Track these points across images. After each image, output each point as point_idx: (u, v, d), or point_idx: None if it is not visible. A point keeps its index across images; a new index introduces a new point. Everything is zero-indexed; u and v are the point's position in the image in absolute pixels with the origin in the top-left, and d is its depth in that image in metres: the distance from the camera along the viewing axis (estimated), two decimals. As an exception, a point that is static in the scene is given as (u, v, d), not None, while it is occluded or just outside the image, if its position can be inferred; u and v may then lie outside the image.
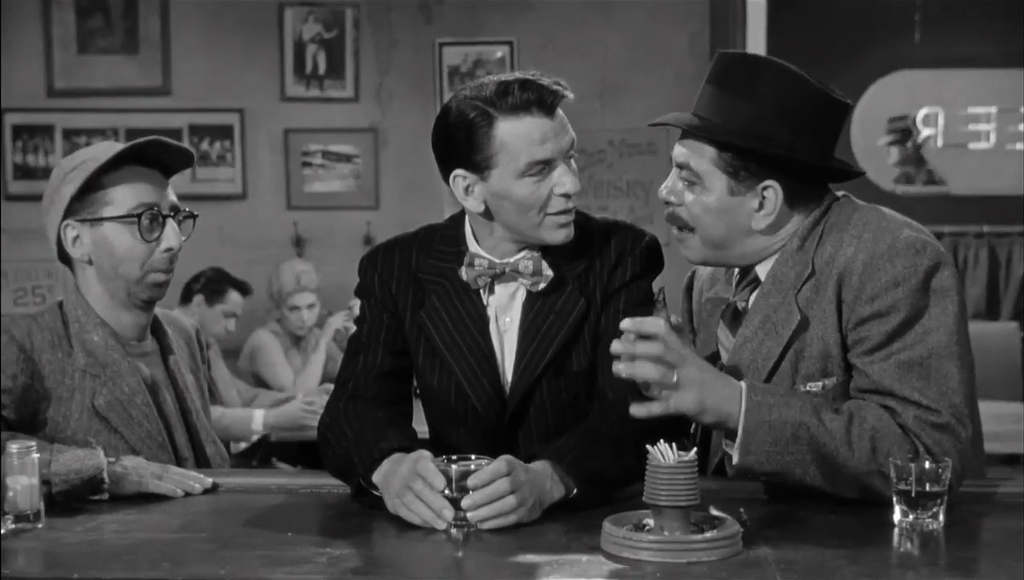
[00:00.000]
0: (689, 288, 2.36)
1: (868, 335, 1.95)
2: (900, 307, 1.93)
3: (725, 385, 1.90)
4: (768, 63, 2.05)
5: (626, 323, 1.85)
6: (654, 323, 1.85)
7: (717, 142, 2.03)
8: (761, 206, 2.05)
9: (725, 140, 2.01)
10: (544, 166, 2.05)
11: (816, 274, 2.03)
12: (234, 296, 5.04)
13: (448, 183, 2.12)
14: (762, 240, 2.08)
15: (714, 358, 2.16)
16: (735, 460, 1.92)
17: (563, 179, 2.07)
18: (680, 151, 2.07)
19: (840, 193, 2.12)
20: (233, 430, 4.43)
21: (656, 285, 2.21)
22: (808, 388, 2.01)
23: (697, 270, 2.34)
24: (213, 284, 5.02)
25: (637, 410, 1.86)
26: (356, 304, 2.32)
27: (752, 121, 2.01)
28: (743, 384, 1.92)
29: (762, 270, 2.11)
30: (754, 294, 2.11)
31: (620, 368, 1.84)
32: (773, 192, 2.04)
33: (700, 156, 2.04)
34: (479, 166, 2.07)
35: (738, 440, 1.90)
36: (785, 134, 2.01)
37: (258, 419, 4.48)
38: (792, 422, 1.89)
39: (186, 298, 4.99)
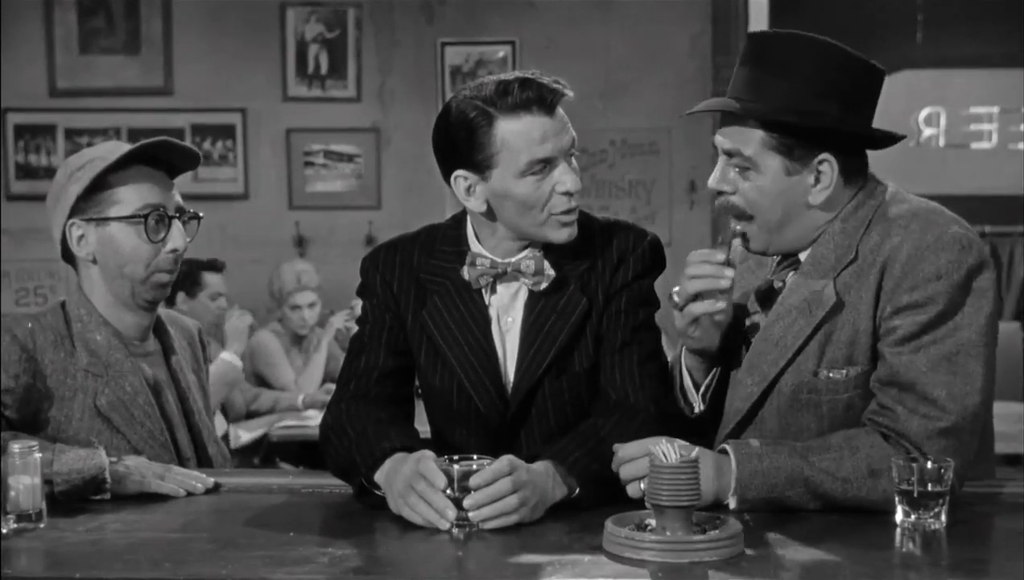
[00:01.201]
0: None
1: (902, 324, 1.94)
2: (938, 300, 1.93)
3: (708, 464, 1.89)
4: (804, 38, 2.03)
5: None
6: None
7: (767, 123, 1.99)
8: (817, 181, 2.02)
9: (775, 119, 1.98)
10: (545, 165, 2.05)
11: (859, 260, 2.01)
12: (210, 278, 4.97)
13: (449, 184, 2.12)
14: (820, 216, 2.04)
15: (738, 329, 2.15)
16: (732, 506, 1.91)
17: (564, 178, 2.06)
18: (726, 139, 2.03)
19: (891, 185, 2.11)
20: (227, 380, 4.47)
21: (658, 283, 2.21)
22: (831, 375, 2.00)
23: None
24: (186, 277, 4.99)
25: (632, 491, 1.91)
26: (358, 304, 2.32)
27: (796, 98, 1.98)
28: (725, 445, 1.94)
29: (803, 252, 2.09)
30: (791, 274, 2.09)
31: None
32: (829, 165, 2.01)
33: (748, 140, 2.01)
34: (480, 166, 2.07)
35: (734, 493, 1.91)
36: (832, 107, 1.99)
37: (229, 357, 4.51)
38: (785, 466, 1.90)
39: (170, 300, 4.98)
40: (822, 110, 1.98)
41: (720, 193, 2.06)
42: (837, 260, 2.02)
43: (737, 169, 2.03)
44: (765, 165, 2.01)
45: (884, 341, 1.96)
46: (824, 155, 2.00)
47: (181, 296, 4.97)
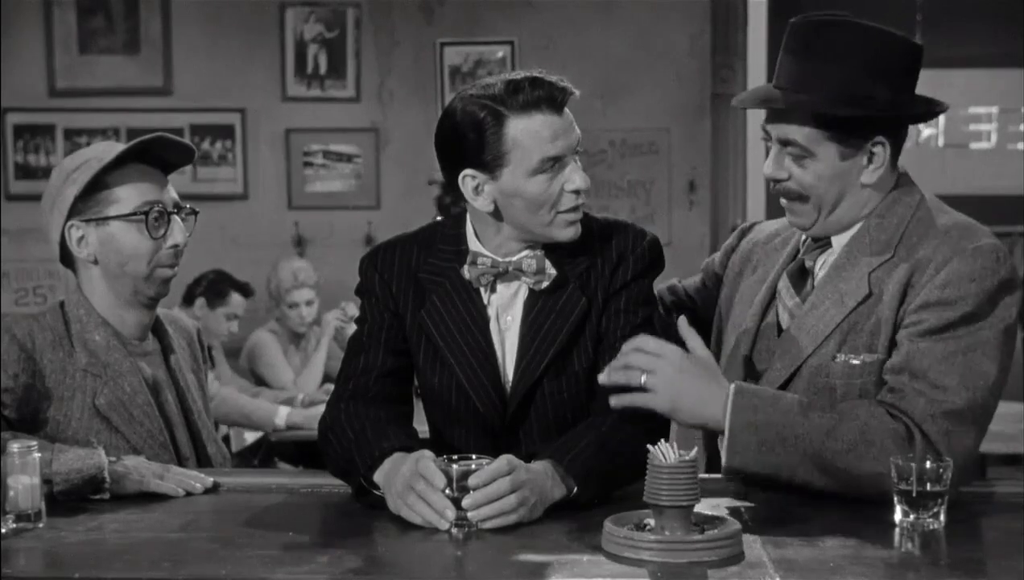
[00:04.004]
0: (742, 234, 2.38)
1: (927, 318, 1.97)
2: (968, 301, 1.96)
3: (707, 388, 1.93)
4: (847, 23, 2.06)
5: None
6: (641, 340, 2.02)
7: (819, 114, 2.02)
8: (871, 161, 2.07)
9: (829, 111, 2.01)
10: (555, 163, 2.06)
11: (895, 257, 2.05)
12: (236, 298, 5.05)
13: (457, 184, 2.12)
14: (869, 195, 2.09)
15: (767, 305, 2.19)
16: (723, 462, 1.94)
17: (574, 176, 2.08)
18: (779, 128, 2.07)
19: (928, 194, 2.14)
20: (254, 419, 4.49)
21: (657, 283, 2.22)
22: (849, 360, 2.03)
23: (756, 226, 2.37)
24: (215, 286, 5.03)
25: (615, 401, 1.98)
26: (348, 304, 2.32)
27: (846, 83, 2.02)
28: (732, 386, 1.95)
29: (836, 238, 2.13)
30: (823, 257, 2.13)
31: (601, 377, 2.02)
32: (882, 148, 2.06)
33: (801, 130, 2.04)
34: (489, 165, 2.07)
35: (724, 441, 1.93)
36: (882, 89, 2.03)
37: (282, 415, 4.51)
38: (777, 423, 1.92)
39: (188, 301, 5.00)
40: (872, 94, 2.02)
41: (776, 180, 2.10)
42: (873, 254, 2.06)
43: (792, 157, 2.07)
44: (820, 152, 2.05)
45: (906, 331, 1.99)
46: (878, 138, 2.05)
47: (200, 302, 4.98)
